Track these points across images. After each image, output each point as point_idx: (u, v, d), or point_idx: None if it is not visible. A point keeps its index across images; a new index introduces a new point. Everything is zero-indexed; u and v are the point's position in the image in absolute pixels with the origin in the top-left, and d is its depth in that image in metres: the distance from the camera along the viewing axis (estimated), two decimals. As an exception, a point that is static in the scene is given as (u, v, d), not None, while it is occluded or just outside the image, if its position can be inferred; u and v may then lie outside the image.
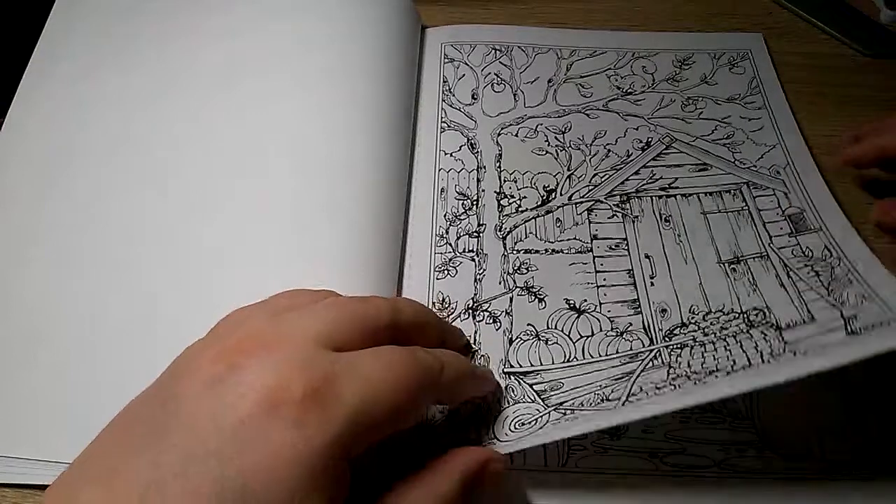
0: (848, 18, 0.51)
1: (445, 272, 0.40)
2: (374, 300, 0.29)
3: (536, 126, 0.46)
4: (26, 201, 0.40)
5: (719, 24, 0.51)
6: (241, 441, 0.22)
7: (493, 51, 0.49)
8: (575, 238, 0.41)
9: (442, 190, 0.43)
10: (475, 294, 0.39)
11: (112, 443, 0.24)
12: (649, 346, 0.36)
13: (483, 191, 0.43)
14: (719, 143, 0.45)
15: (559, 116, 0.46)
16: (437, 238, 0.41)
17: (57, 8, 0.48)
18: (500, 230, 0.41)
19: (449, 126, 0.46)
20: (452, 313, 0.38)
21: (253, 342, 0.25)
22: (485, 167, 0.44)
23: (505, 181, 0.43)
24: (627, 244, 0.40)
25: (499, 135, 0.45)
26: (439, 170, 0.44)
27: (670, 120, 0.46)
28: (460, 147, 0.45)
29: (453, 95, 0.47)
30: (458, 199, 0.43)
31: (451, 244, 0.41)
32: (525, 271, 0.40)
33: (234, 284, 0.36)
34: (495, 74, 0.48)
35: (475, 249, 0.40)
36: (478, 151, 0.45)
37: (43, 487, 0.33)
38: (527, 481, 0.33)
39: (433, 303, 0.38)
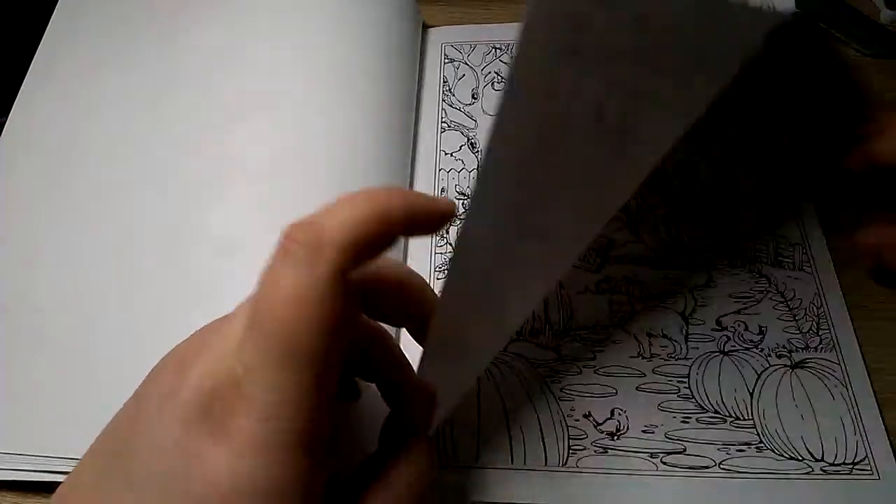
0: (848, 18, 0.50)
1: (446, 272, 0.39)
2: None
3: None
4: (28, 201, 0.40)
5: (719, 24, 0.51)
6: (183, 457, 0.21)
7: (494, 50, 0.49)
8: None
9: (442, 189, 0.43)
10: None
11: (89, 478, 0.23)
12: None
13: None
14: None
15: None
16: (437, 237, 0.41)
17: (59, 9, 0.49)
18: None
19: (449, 126, 0.46)
20: None
21: (191, 350, 0.24)
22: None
23: None
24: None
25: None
26: (439, 170, 0.44)
27: None
28: (460, 147, 0.45)
29: (453, 95, 0.47)
30: (458, 199, 0.43)
31: (451, 243, 0.41)
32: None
33: (236, 283, 0.36)
34: (496, 74, 0.48)
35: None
36: (478, 151, 0.45)
37: (40, 485, 0.33)
38: (526, 481, 0.33)
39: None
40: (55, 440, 0.33)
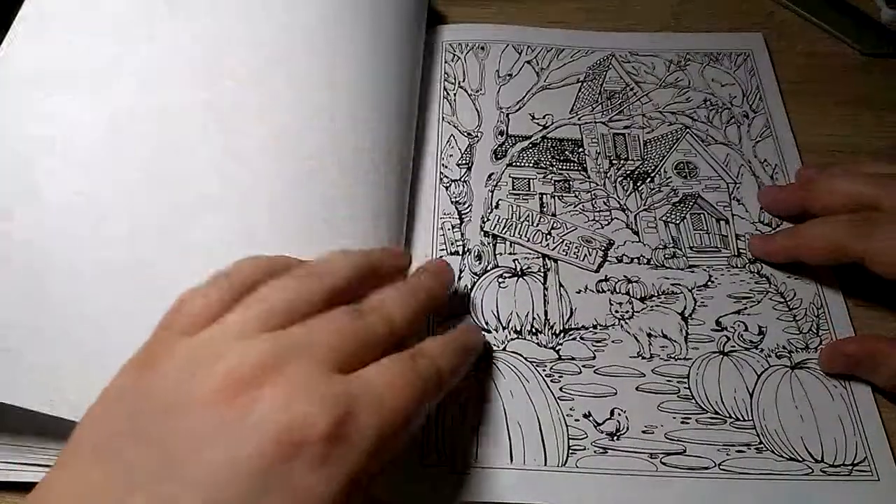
0: (848, 18, 0.51)
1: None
2: (339, 269, 0.30)
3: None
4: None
5: (719, 25, 0.51)
6: (262, 486, 0.22)
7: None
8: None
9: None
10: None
11: (97, 471, 0.23)
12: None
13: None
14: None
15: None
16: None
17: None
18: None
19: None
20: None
21: (257, 372, 0.24)
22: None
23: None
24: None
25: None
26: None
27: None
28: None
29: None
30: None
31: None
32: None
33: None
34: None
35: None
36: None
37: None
38: (526, 481, 0.33)
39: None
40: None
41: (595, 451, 0.34)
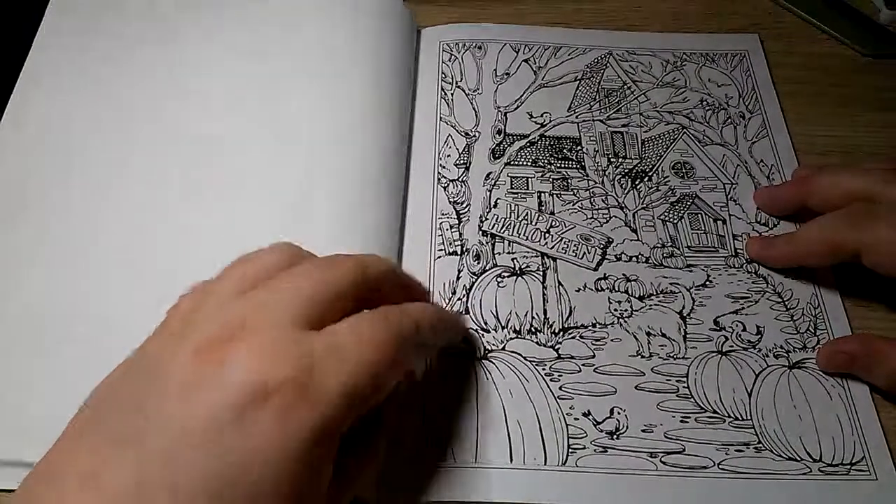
0: (848, 18, 0.51)
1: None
2: (340, 260, 0.29)
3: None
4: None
5: (719, 25, 0.51)
6: (226, 437, 0.22)
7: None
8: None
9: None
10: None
11: (85, 446, 0.24)
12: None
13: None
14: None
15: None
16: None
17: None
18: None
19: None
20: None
21: (227, 333, 0.25)
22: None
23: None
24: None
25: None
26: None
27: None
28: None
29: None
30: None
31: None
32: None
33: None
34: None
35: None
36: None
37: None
38: (526, 481, 0.33)
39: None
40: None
41: (595, 450, 0.34)
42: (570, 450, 0.34)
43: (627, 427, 0.35)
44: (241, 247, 0.37)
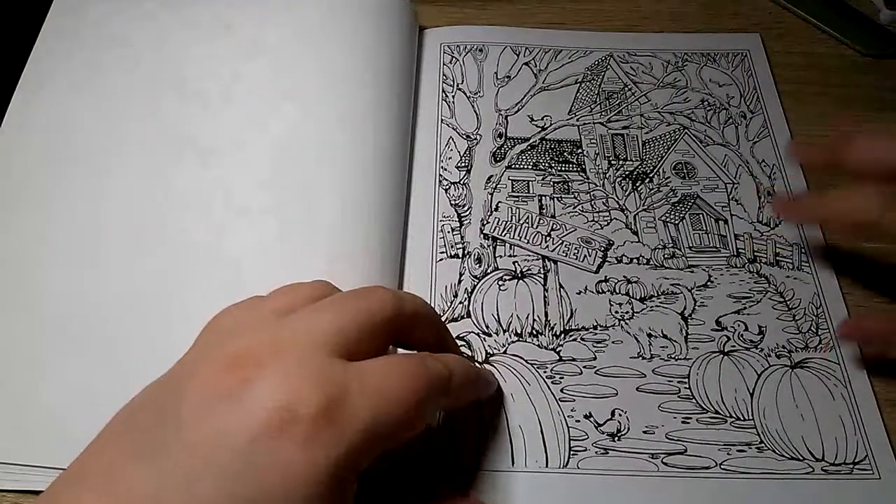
0: (848, 18, 0.50)
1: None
2: (377, 292, 0.28)
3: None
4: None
5: (719, 25, 0.51)
6: (249, 460, 0.22)
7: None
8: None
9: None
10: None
11: (110, 451, 0.24)
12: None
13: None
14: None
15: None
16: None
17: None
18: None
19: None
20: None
21: (259, 352, 0.24)
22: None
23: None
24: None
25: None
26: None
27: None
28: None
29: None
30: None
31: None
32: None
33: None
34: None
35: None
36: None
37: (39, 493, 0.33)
38: (528, 483, 0.33)
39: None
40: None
41: (596, 452, 0.34)
42: (572, 452, 0.34)
43: (629, 429, 0.35)
44: (243, 248, 0.38)
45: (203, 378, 0.24)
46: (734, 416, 0.35)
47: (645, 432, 0.35)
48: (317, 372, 0.24)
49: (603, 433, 0.35)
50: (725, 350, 0.37)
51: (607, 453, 0.34)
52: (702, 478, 0.33)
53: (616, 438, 0.35)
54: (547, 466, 0.34)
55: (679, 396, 0.36)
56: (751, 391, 0.36)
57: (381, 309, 0.27)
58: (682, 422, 0.35)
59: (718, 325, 0.38)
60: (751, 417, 0.35)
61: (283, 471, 0.22)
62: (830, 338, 0.37)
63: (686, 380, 0.36)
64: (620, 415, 0.35)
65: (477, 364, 0.37)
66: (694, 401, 0.36)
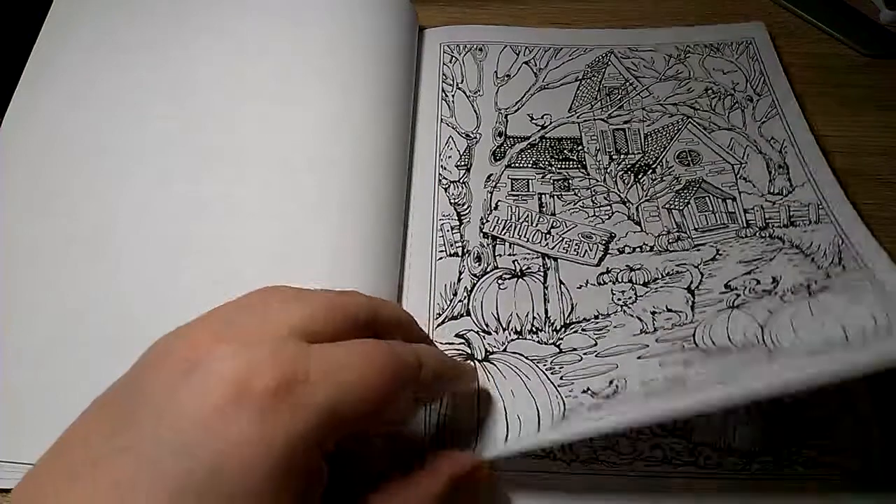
0: (848, 18, 0.51)
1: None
2: (354, 294, 0.28)
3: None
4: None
5: (719, 23, 0.51)
6: (209, 432, 0.22)
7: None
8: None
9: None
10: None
11: (82, 435, 0.24)
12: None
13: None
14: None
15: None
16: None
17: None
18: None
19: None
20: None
21: (226, 332, 0.24)
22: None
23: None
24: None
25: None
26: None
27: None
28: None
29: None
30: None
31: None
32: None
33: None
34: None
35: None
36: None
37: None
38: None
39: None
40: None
41: (589, 409, 0.32)
42: (564, 416, 0.33)
43: (626, 386, 0.33)
44: (244, 249, 0.37)
45: (168, 355, 0.24)
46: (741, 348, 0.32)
47: (642, 384, 0.33)
48: (278, 350, 0.24)
49: (597, 396, 0.33)
50: (735, 304, 0.35)
51: (601, 408, 0.32)
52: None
53: (611, 397, 0.33)
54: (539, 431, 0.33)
55: (682, 350, 0.34)
56: (762, 324, 0.33)
57: (356, 306, 0.27)
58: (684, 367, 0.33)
59: (728, 287, 0.36)
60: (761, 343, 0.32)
61: (238, 443, 0.22)
62: (858, 263, 0.35)
63: (691, 338, 0.34)
64: (618, 380, 0.34)
65: (459, 360, 0.36)
66: (697, 350, 0.34)
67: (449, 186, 0.43)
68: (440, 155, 0.44)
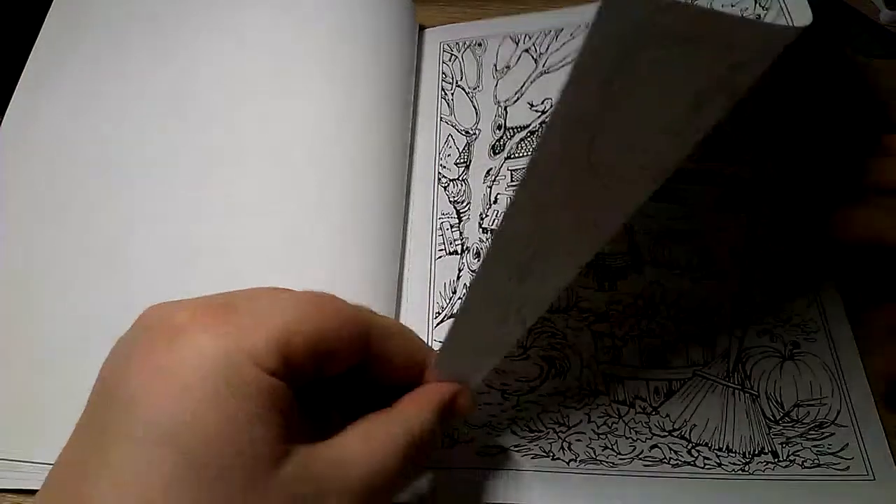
0: (847, 19, 0.50)
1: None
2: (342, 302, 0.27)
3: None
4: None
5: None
6: (170, 353, 0.22)
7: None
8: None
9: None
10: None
11: (67, 460, 0.23)
12: None
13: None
14: None
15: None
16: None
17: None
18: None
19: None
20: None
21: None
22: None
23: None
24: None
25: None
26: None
27: None
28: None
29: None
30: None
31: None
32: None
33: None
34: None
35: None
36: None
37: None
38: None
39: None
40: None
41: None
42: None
43: None
44: (244, 248, 0.37)
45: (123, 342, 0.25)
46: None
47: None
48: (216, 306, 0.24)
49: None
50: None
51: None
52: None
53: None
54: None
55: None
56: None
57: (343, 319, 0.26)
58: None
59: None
60: None
61: (193, 357, 0.22)
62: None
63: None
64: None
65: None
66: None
67: (448, 185, 0.43)
68: (440, 153, 0.44)
